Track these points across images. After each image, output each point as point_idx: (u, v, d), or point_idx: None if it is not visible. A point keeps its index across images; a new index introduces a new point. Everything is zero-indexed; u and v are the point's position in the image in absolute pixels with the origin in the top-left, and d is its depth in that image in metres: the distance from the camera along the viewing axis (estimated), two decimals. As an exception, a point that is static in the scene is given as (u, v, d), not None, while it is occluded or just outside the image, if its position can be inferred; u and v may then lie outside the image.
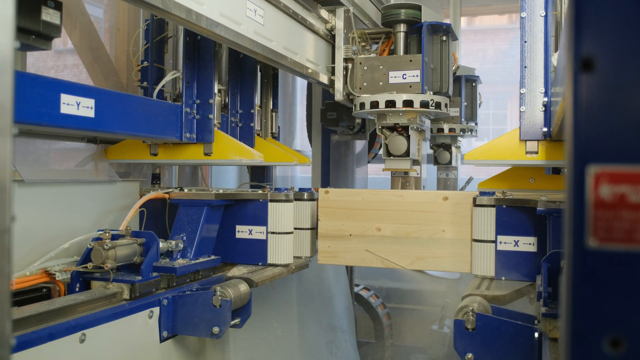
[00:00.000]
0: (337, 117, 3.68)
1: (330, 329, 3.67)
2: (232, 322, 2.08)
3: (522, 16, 2.33)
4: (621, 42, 0.65)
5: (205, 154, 2.52)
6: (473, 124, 3.96)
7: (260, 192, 2.54)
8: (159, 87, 2.50)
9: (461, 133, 3.90)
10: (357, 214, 2.56)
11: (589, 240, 0.65)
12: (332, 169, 4.12)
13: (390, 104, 2.71)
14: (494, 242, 2.33)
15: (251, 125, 2.99)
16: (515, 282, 2.28)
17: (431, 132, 3.87)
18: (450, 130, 3.87)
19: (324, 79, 2.91)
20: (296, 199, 2.67)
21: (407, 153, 2.75)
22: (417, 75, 2.72)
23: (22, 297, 1.89)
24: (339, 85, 2.87)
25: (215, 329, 2.02)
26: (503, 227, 2.32)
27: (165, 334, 2.04)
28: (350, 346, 3.92)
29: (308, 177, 4.91)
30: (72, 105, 1.80)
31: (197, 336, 2.14)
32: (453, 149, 4.09)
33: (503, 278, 2.32)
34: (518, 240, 2.30)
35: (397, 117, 2.75)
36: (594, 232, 0.65)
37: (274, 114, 3.39)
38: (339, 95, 2.87)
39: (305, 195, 2.74)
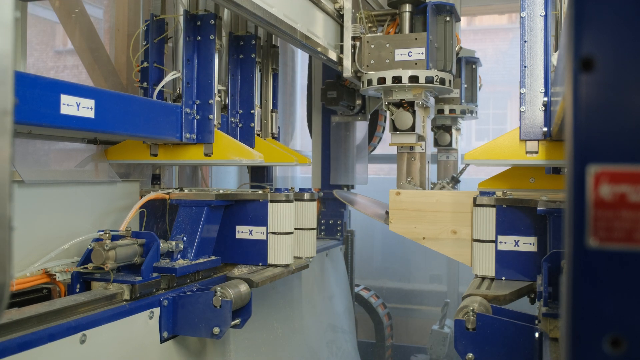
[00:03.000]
0: (337, 97, 3.73)
1: (331, 329, 3.67)
2: (233, 323, 2.08)
3: (522, 16, 2.33)
4: (621, 42, 0.65)
5: (205, 155, 2.52)
6: (473, 106, 3.96)
7: (260, 192, 2.54)
8: (159, 87, 2.50)
9: (461, 114, 3.89)
10: (431, 217, 2.50)
11: (589, 240, 0.65)
12: (332, 152, 4.12)
13: (397, 80, 2.81)
14: (494, 242, 2.33)
15: (251, 125, 2.99)
16: (515, 282, 2.28)
17: (431, 113, 3.89)
18: (451, 111, 3.87)
19: (332, 55, 3.01)
20: (296, 199, 2.67)
21: (412, 128, 2.84)
22: (422, 53, 2.82)
23: (23, 297, 1.89)
24: (347, 63, 2.97)
25: (216, 330, 2.02)
26: (503, 226, 2.32)
27: (165, 334, 2.04)
28: (351, 346, 3.92)
29: (308, 177, 4.91)
30: (72, 106, 1.80)
31: (198, 337, 2.14)
32: (453, 131, 4.07)
33: (503, 278, 2.32)
34: (518, 240, 2.30)
35: (403, 92, 2.84)
36: (594, 232, 0.65)
37: (274, 114, 3.39)
38: (347, 73, 2.97)
39: (306, 196, 2.74)
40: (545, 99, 2.28)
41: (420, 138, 2.93)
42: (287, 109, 5.61)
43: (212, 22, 2.52)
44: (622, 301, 0.65)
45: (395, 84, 2.80)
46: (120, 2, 3.16)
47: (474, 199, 2.38)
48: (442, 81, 2.82)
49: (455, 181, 3.81)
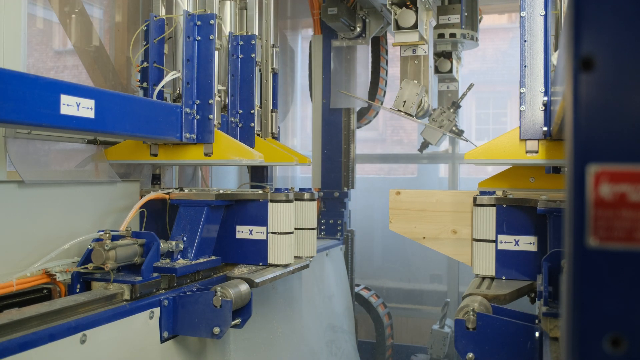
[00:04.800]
0: (337, 13, 3.79)
1: (331, 328, 3.67)
2: (233, 323, 2.08)
3: (522, 15, 2.33)
4: (621, 42, 0.65)
5: (206, 155, 2.52)
6: (474, 32, 3.94)
7: (260, 192, 2.54)
8: (159, 87, 2.50)
9: (462, 39, 3.86)
10: (431, 216, 2.50)
11: (590, 240, 0.65)
12: (333, 78, 4.13)
13: None
14: (495, 241, 2.33)
15: (251, 125, 2.99)
16: (515, 282, 2.28)
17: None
18: (451, 35, 3.86)
19: None
20: (296, 199, 2.67)
21: (415, 25, 2.90)
22: None
23: (23, 298, 1.89)
24: None
25: (216, 329, 2.02)
26: (503, 226, 2.32)
27: (165, 334, 2.04)
28: (351, 346, 3.92)
29: (308, 177, 4.91)
30: (72, 106, 1.80)
31: (198, 336, 2.14)
32: (454, 59, 4.04)
33: (504, 277, 2.32)
34: (518, 240, 2.29)
35: None
36: (594, 231, 0.65)
37: (274, 114, 3.39)
38: None
39: (306, 196, 2.74)
40: (545, 98, 2.28)
41: (423, 39, 2.98)
42: (287, 109, 5.61)
43: (212, 22, 2.52)
44: (622, 301, 0.65)
45: None
46: (120, 2, 3.16)
47: (474, 199, 2.37)
48: None
49: (456, 106, 3.79)
